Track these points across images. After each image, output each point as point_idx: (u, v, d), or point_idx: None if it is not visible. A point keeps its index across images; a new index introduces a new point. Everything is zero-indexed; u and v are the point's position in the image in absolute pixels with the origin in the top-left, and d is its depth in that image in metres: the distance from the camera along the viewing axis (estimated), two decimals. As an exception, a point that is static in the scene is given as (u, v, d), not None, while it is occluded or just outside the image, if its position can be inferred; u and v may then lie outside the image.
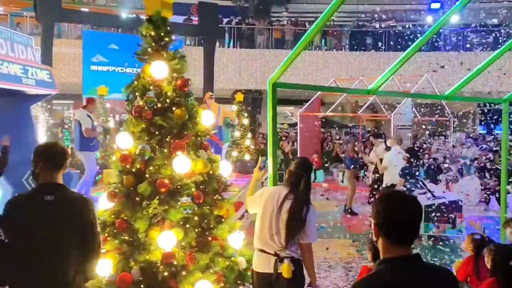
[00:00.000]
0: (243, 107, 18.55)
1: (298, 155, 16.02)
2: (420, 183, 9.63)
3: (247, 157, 15.90)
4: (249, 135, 18.40)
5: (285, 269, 3.81)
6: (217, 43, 19.64)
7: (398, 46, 20.36)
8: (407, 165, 9.60)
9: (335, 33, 22.48)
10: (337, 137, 22.11)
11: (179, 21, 20.22)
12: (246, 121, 18.16)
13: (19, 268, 3.14)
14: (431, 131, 18.93)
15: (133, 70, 18.37)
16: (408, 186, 9.32)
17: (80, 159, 9.13)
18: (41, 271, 3.14)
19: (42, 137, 12.37)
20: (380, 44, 21.69)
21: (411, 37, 19.86)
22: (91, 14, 18.34)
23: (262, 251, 3.91)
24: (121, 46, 18.23)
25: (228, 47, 22.40)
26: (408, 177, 9.37)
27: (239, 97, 17.66)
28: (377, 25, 23.19)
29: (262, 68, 21.05)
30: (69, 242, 3.22)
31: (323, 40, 22.19)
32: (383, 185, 9.90)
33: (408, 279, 2.00)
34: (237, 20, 22.79)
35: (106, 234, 4.03)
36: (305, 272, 3.97)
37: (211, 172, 4.21)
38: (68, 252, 3.21)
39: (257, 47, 22.02)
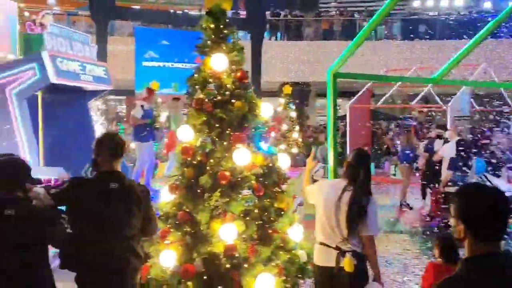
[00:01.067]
0: (291, 100, 18.45)
1: (348, 149, 15.82)
2: (482, 176, 9.27)
3: (294, 150, 15.81)
4: (297, 128, 18.30)
5: (347, 264, 3.74)
6: (264, 36, 19.66)
7: (453, 33, 19.65)
8: (457, 157, 9.25)
9: (386, 21, 22.00)
10: (388, 130, 21.66)
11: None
12: (293, 114, 18.07)
13: (86, 254, 3.32)
14: (491, 122, 18.22)
15: (183, 65, 18.67)
16: (455, 179, 9.00)
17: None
18: (110, 256, 3.33)
19: (98, 132, 12.75)
20: (432, 32, 21.05)
21: (466, 24, 19.18)
22: (143, 11, 18.70)
23: (323, 244, 3.86)
24: (172, 41, 18.54)
25: (276, 39, 22.34)
26: (457, 170, 9.05)
27: (287, 89, 17.56)
28: (431, 13, 22.48)
29: (310, 60, 20.86)
30: (134, 228, 3.43)
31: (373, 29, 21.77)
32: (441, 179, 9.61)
33: (500, 277, 1.87)
34: (284, 13, 22.66)
35: (168, 226, 4.09)
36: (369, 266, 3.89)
37: (270, 165, 4.20)
38: (133, 236, 3.43)
39: (304, 39, 21.84)
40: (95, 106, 12.90)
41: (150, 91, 8.33)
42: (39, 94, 10.77)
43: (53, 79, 9.36)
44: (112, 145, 3.50)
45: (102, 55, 14.38)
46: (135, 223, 3.44)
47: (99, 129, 12.89)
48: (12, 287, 3.19)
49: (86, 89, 11.40)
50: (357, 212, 3.77)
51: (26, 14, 12.65)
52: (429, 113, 22.68)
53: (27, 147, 9.26)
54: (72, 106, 11.58)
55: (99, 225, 3.34)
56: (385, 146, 18.78)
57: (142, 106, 8.13)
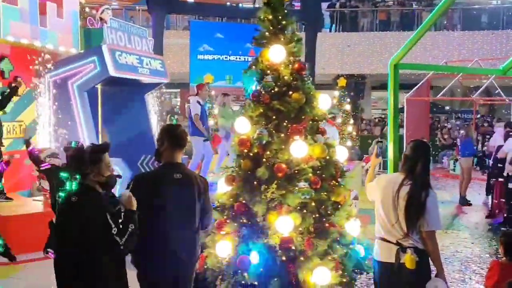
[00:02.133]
0: (345, 93, 18.19)
1: (404, 142, 15.40)
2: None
3: (349, 143, 15.59)
4: (351, 121, 18.03)
5: (408, 260, 3.63)
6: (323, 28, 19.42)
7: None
8: None
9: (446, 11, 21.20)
10: (447, 123, 20.94)
11: (281, 6, 20.23)
12: (348, 107, 17.81)
13: (153, 240, 3.51)
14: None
15: (236, 58, 18.79)
16: None
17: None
18: (175, 240, 3.55)
19: (154, 125, 13.03)
20: (495, 22, 20.10)
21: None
22: (198, 4, 18.90)
23: (383, 240, 3.77)
24: (226, 34, 18.67)
25: (330, 31, 22.01)
26: None
27: (342, 82, 17.34)
28: (494, 2, 21.49)
29: (366, 52, 20.45)
30: (195, 214, 3.66)
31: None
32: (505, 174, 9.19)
33: None
34: (340, 3, 22.28)
35: (225, 217, 4.12)
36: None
37: (328, 157, 4.12)
38: (195, 222, 3.67)
39: (360, 30, 21.41)
40: (151, 99, 13.20)
41: (200, 86, 8.36)
42: (99, 86, 11.14)
43: (112, 72, 9.64)
44: (175, 136, 3.63)
45: (158, 49, 14.67)
46: (195, 210, 3.64)
47: (155, 121, 13.20)
48: None
49: (143, 82, 11.68)
50: (416, 207, 3.64)
51: (87, 9, 13.03)
52: (491, 107, 21.74)
53: (87, 137, 9.60)
54: (130, 98, 11.90)
55: (170, 216, 3.52)
56: (443, 140, 18.18)
57: (198, 102, 8.17)
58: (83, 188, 3.30)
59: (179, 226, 3.56)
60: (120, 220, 3.18)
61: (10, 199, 7.79)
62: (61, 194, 5.17)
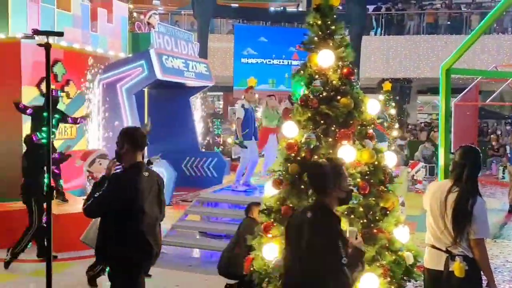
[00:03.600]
0: (390, 97, 17.89)
1: (452, 148, 15.02)
2: None
3: (394, 148, 15.33)
4: (396, 125, 17.72)
5: (457, 268, 3.55)
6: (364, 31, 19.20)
7: None
8: None
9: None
10: (496, 129, 20.29)
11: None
12: (393, 111, 17.52)
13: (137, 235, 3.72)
14: None
15: (279, 62, 18.87)
16: None
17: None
18: (152, 234, 3.79)
19: (198, 127, 13.24)
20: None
21: None
22: (242, 9, 19.08)
23: (433, 247, 3.70)
24: (270, 38, 18.78)
25: (375, 34, 21.74)
26: None
27: (387, 86, 17.05)
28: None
29: (412, 56, 20.07)
30: (161, 208, 3.97)
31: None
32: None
33: None
34: (386, 7, 21.96)
35: (272, 220, 4.14)
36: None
37: (376, 163, 4.08)
38: (159, 215, 3.96)
39: (406, 33, 21.04)
40: (195, 102, 13.43)
41: (246, 90, 8.35)
42: (146, 89, 11.43)
43: (159, 75, 9.90)
44: (134, 138, 3.79)
45: (203, 52, 14.92)
46: (160, 204, 3.95)
47: (199, 124, 13.41)
48: None
49: (188, 85, 11.91)
50: (463, 214, 3.55)
51: (135, 14, 13.40)
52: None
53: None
54: (175, 101, 12.17)
55: (146, 212, 3.73)
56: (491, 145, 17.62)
57: (242, 105, 8.15)
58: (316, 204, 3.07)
59: (153, 221, 3.82)
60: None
61: (66, 200, 7.97)
62: None
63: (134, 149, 3.77)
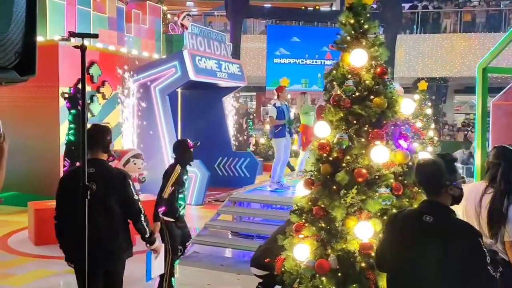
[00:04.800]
0: (426, 96, 17.60)
1: (490, 148, 14.64)
2: None
3: (429, 149, 15.05)
4: (433, 125, 17.42)
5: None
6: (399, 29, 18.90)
7: None
8: None
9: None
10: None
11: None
12: (429, 111, 17.22)
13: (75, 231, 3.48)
14: None
15: (313, 61, 18.77)
16: None
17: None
18: (91, 232, 3.50)
19: (230, 127, 13.32)
20: None
21: None
22: (275, 9, 19.07)
23: (469, 249, 3.61)
24: (302, 38, 18.71)
25: (411, 33, 21.39)
26: None
27: (423, 85, 16.82)
28: None
29: (448, 55, 19.64)
30: (110, 207, 3.75)
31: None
32: None
33: None
34: (422, 5, 21.55)
35: (303, 220, 4.12)
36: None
37: (410, 164, 4.02)
38: (111, 215, 3.76)
39: (442, 32, 20.61)
40: (228, 102, 13.52)
41: (279, 89, 8.40)
42: (179, 90, 11.56)
43: (192, 76, 9.99)
44: (88, 136, 3.54)
45: (236, 53, 14.99)
46: (114, 205, 3.74)
47: (231, 125, 13.49)
48: None
49: (221, 85, 11.99)
50: (497, 215, 3.47)
51: (168, 16, 13.57)
52: None
53: (167, 139, 10.00)
54: (208, 101, 12.27)
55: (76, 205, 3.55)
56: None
57: (274, 104, 8.24)
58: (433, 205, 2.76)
59: (94, 217, 3.49)
60: None
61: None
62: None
63: (90, 145, 3.68)
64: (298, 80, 18.51)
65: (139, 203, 3.90)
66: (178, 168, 5.39)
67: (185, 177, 5.47)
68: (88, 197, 2.85)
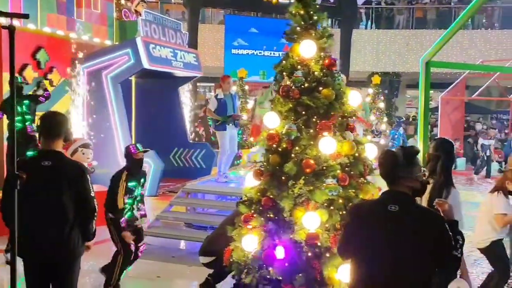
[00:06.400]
0: (380, 90, 17.95)
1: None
2: None
3: (382, 141, 15.41)
4: (385, 119, 17.79)
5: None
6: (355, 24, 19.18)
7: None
8: None
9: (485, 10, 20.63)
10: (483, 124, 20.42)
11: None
12: (382, 105, 17.57)
13: (22, 225, 3.31)
14: None
15: (271, 53, 18.77)
16: None
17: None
18: (39, 226, 3.47)
19: (187, 118, 13.18)
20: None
21: None
22: (233, -1, 18.91)
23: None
24: (261, 29, 18.67)
25: (366, 28, 21.74)
26: None
27: (376, 79, 17.12)
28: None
29: (401, 50, 20.11)
30: (64, 201, 3.50)
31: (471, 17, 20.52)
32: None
33: None
34: (375, 1, 21.95)
35: (252, 211, 4.13)
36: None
37: (357, 155, 4.08)
38: (64, 211, 3.51)
39: (396, 28, 21.07)
40: (184, 92, 13.35)
41: (223, 78, 8.15)
42: (133, 79, 11.32)
43: (146, 64, 9.79)
44: (48, 125, 3.57)
45: (193, 43, 14.80)
46: (68, 199, 3.51)
47: (187, 115, 13.34)
48: None
49: (177, 75, 11.81)
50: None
51: (122, 1, 13.22)
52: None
53: (120, 129, 9.79)
54: (163, 91, 12.08)
55: (33, 204, 3.45)
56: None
57: (216, 96, 8.01)
58: (396, 195, 2.78)
59: (45, 211, 3.47)
60: None
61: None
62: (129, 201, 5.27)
63: (47, 135, 3.56)
64: (256, 72, 18.48)
65: (95, 200, 3.66)
66: (123, 176, 5.30)
67: (132, 183, 5.32)
68: (18, 187, 2.67)
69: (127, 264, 5.42)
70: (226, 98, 7.95)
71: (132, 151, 5.45)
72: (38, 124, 3.66)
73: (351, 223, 2.91)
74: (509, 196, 4.88)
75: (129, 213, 5.37)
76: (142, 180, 5.55)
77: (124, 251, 5.29)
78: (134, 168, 5.42)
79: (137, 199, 5.50)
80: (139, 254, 5.61)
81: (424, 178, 2.90)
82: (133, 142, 8.76)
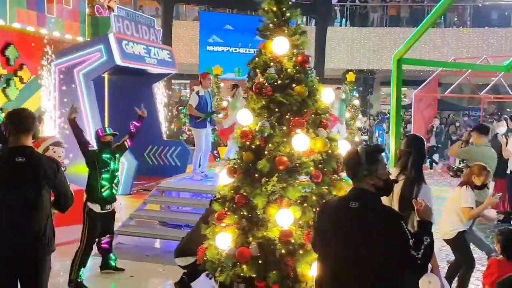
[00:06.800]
0: (354, 87, 18.09)
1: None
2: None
3: (357, 138, 15.54)
4: (360, 116, 17.93)
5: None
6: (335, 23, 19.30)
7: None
8: None
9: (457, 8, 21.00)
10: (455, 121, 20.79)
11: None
12: (357, 102, 17.71)
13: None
14: None
15: (246, 50, 18.73)
16: None
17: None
18: (17, 223, 3.41)
19: (161, 115, 13.06)
20: (506, 19, 19.92)
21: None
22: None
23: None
24: (236, 26, 18.61)
25: (340, 25, 21.89)
26: None
27: (350, 77, 17.22)
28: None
29: (375, 47, 20.31)
30: (40, 196, 3.46)
31: (442, 16, 20.85)
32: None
33: None
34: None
35: (225, 209, 4.11)
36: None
37: (330, 151, 4.10)
38: (42, 205, 3.48)
39: (370, 25, 21.28)
40: (159, 89, 13.22)
41: (203, 75, 8.13)
42: (106, 76, 11.15)
43: (119, 61, 9.66)
44: (17, 121, 3.52)
45: (167, 39, 14.66)
46: (45, 194, 3.50)
47: (162, 112, 13.22)
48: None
49: (150, 72, 11.69)
50: (407, 201, 3.60)
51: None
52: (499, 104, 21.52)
53: (92, 126, 9.62)
54: (137, 88, 11.92)
55: (11, 200, 3.40)
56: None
57: (197, 92, 7.97)
58: (359, 192, 2.78)
59: (23, 208, 3.42)
60: None
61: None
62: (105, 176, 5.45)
63: (17, 131, 3.50)
64: (231, 69, 18.41)
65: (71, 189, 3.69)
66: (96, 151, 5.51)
67: (106, 155, 5.50)
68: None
69: (87, 257, 5.45)
70: (206, 95, 7.95)
71: (100, 133, 5.64)
72: (5, 121, 3.57)
73: (318, 219, 2.93)
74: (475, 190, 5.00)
75: (107, 191, 5.50)
76: (117, 155, 5.70)
77: (86, 244, 5.36)
78: (104, 151, 5.59)
79: (116, 174, 5.63)
80: (104, 246, 5.72)
81: (388, 176, 2.86)
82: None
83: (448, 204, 5.02)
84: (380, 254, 2.57)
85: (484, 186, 4.98)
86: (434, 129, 16.08)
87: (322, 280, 2.76)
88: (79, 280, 5.34)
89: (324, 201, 2.96)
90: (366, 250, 2.59)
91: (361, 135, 18.48)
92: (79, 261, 5.34)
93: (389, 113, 22.30)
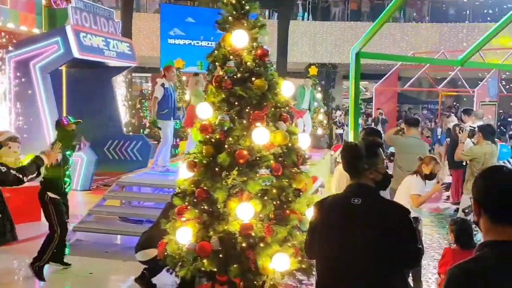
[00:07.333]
0: (317, 81, 18.25)
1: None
2: (506, 163, 8.98)
3: (319, 131, 15.71)
4: (322, 110, 18.11)
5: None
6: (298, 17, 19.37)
7: (488, 18, 19.05)
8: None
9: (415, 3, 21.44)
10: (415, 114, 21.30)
11: (253, -7, 20.11)
12: (319, 95, 17.88)
13: None
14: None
15: (208, 43, 18.57)
16: None
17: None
18: None
19: (121, 109, 12.83)
20: (463, 14, 20.48)
21: (497, 6, 18.59)
22: (168, -13, 18.53)
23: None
24: (198, 19, 18.40)
25: (302, 19, 22.00)
26: None
27: (313, 70, 17.36)
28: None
29: (337, 41, 20.52)
30: None
31: (401, 11, 21.26)
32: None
33: None
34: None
35: (186, 203, 4.08)
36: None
37: (290, 145, 4.12)
38: None
39: (332, 20, 21.48)
40: (119, 83, 12.98)
41: (167, 68, 8.11)
42: (64, 68, 10.86)
43: (77, 54, 9.42)
44: None
45: (127, 32, 14.38)
46: None
47: (122, 106, 12.99)
48: None
49: (109, 64, 11.45)
50: None
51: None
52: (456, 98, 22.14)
53: (50, 120, 9.37)
54: (96, 81, 11.66)
55: None
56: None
57: (162, 84, 7.94)
58: (359, 188, 2.71)
59: None
60: None
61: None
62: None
63: None
64: (194, 62, 18.21)
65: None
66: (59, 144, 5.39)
67: (68, 152, 5.57)
68: None
69: (64, 243, 5.60)
70: (170, 87, 7.95)
71: (65, 122, 5.66)
72: None
73: (315, 220, 2.81)
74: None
75: (70, 186, 5.69)
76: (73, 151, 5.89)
77: (61, 230, 5.42)
78: (66, 140, 5.58)
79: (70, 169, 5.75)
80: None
81: (386, 170, 2.83)
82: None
83: (399, 192, 5.17)
84: (388, 249, 2.52)
85: (433, 176, 5.17)
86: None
87: (325, 281, 2.67)
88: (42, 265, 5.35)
89: (318, 201, 2.91)
90: (374, 247, 2.53)
91: (336, 129, 18.74)
92: (54, 245, 5.39)
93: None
